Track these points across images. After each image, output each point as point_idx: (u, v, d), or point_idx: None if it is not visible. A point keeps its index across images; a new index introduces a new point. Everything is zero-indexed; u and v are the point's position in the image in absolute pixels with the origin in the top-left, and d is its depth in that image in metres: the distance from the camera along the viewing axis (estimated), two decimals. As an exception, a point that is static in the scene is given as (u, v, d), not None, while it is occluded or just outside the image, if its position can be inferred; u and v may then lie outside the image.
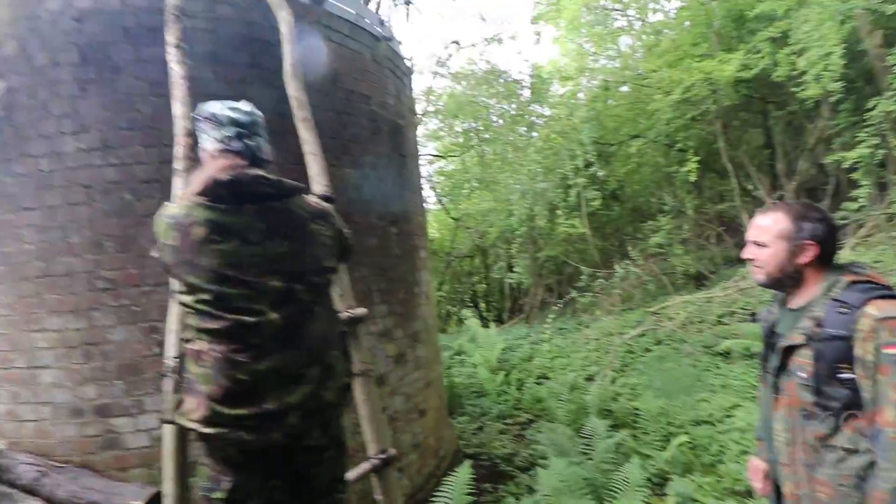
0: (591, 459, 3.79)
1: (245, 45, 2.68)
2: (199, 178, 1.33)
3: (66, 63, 2.44)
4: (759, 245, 1.38)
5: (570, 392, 5.71)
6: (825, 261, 1.32)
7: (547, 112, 12.28)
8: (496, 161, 11.42)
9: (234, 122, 1.41)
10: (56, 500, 2.21)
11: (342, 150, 3.02)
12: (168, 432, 1.62)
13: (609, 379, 6.08)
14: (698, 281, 8.25)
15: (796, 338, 1.28)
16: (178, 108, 2.09)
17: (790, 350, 1.30)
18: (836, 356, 1.19)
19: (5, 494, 2.22)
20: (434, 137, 13.10)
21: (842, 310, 1.20)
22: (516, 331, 10.19)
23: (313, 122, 2.39)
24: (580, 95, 14.71)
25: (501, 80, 12.21)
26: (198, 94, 2.23)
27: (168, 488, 1.61)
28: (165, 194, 2.43)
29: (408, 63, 4.12)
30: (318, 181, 2.23)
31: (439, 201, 13.13)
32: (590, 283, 8.06)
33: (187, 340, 1.36)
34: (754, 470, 1.59)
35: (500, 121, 12.33)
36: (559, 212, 8.60)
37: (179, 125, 2.07)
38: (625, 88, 9.44)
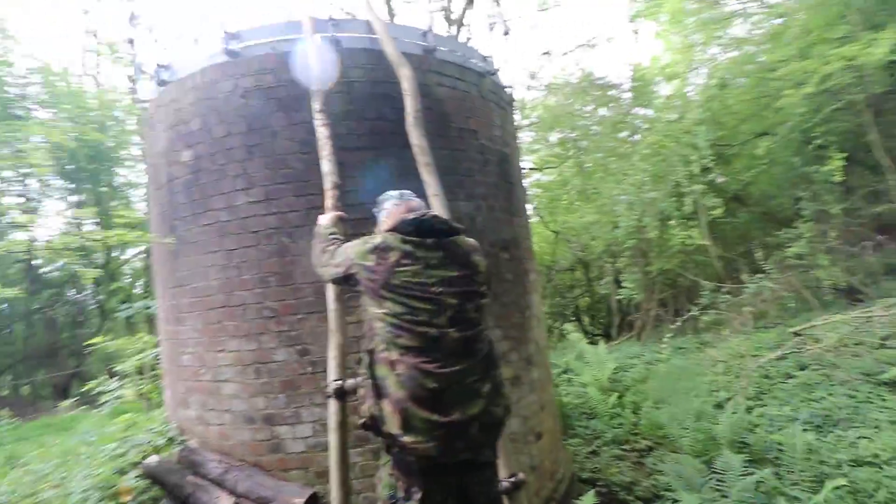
0: (725, 497, 3.50)
1: (372, 100, 3.04)
2: (390, 220, 1.75)
3: (236, 133, 3.00)
4: None
5: (697, 420, 5.27)
6: None
7: (652, 114, 11.62)
8: (597, 171, 11.04)
9: (401, 194, 1.98)
10: (237, 493, 2.67)
11: (457, 184, 3.25)
12: (333, 441, 1.90)
13: (743, 407, 5.50)
14: (851, 296, 7.10)
15: None
16: (325, 165, 2.47)
17: None
18: None
19: (199, 485, 2.74)
20: (529, 150, 13.09)
21: None
22: (627, 349, 9.64)
23: (434, 165, 2.63)
24: (690, 93, 13.68)
25: (598, 84, 11.85)
26: (337, 147, 2.62)
27: (334, 492, 1.88)
28: (312, 233, 2.85)
29: (509, 91, 4.28)
30: (441, 220, 2.44)
31: (537, 214, 13.02)
32: (713, 298, 7.37)
33: (377, 351, 1.64)
34: None
35: (599, 128, 11.92)
36: (672, 222, 8.02)
37: (328, 180, 2.43)
38: (742, 79, 8.56)
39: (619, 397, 6.82)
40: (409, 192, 2.01)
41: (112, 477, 2.70)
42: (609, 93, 11.94)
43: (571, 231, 12.21)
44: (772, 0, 11.15)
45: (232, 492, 2.69)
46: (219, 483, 2.74)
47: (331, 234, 2.08)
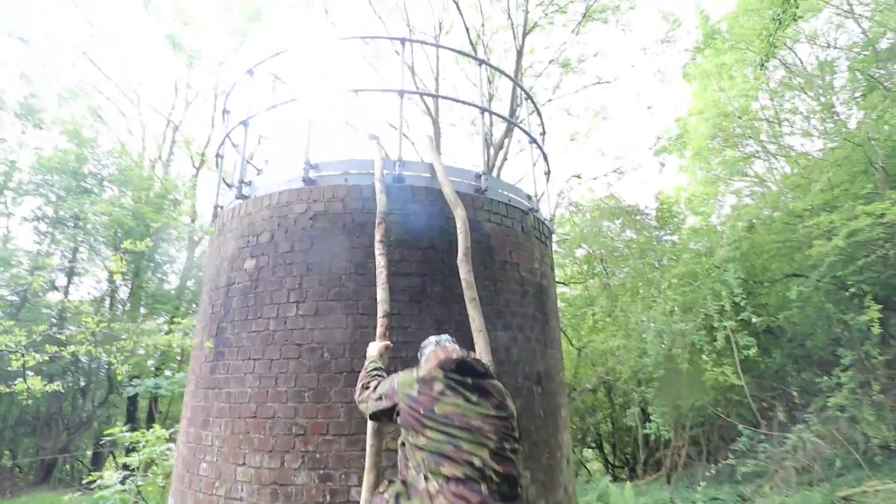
0: None
1: (425, 231, 3.29)
2: (435, 361, 1.81)
3: (299, 250, 3.25)
4: None
5: None
6: None
7: (675, 240, 11.93)
8: (625, 293, 11.08)
9: (439, 340, 2.09)
10: None
11: (496, 314, 3.35)
12: None
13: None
14: (905, 458, 6.49)
15: None
16: (380, 294, 2.61)
17: None
18: None
19: None
20: (556, 265, 13.37)
21: None
22: (656, 492, 8.82)
23: (478, 300, 2.75)
24: (714, 221, 14.07)
25: (624, 207, 12.41)
26: (390, 272, 2.79)
27: None
28: (355, 355, 2.92)
29: (549, 225, 4.55)
30: (483, 357, 2.49)
31: (561, 329, 12.86)
32: (750, 445, 6.85)
33: (413, 483, 1.64)
34: None
35: (626, 250, 12.23)
36: (704, 357, 7.79)
37: (381, 308, 2.57)
38: (767, 212, 8.80)
39: (648, 553, 6.12)
40: (446, 336, 2.14)
41: None
42: (636, 217, 12.45)
43: (596, 351, 11.91)
44: (797, 146, 11.88)
45: None
46: None
47: (374, 368, 2.15)
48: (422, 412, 1.67)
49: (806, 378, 8.44)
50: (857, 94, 9.28)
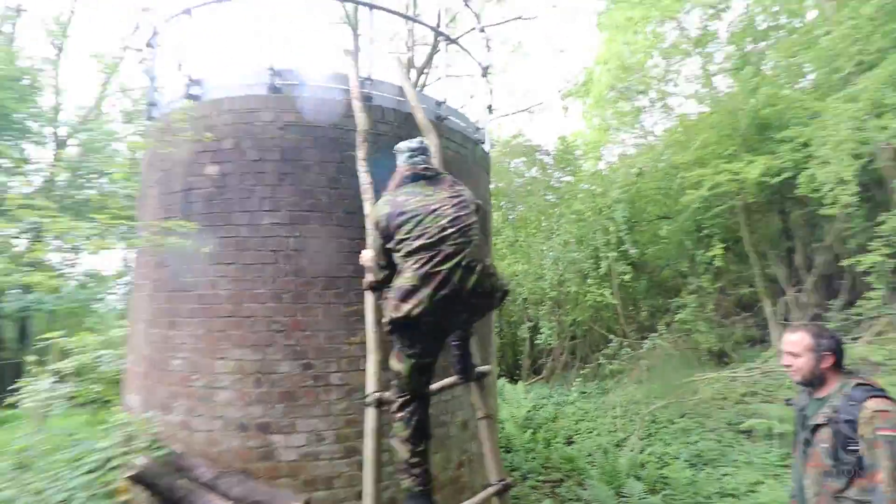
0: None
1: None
2: (396, 179, 2.31)
3: (270, 160, 3.29)
4: (792, 355, 2.04)
5: (605, 456, 6.14)
6: (839, 366, 1.99)
7: (571, 180, 13.34)
8: (528, 225, 12.28)
9: (410, 148, 2.41)
10: (231, 497, 2.80)
11: (451, 232, 3.80)
12: (369, 444, 2.25)
13: (638, 446, 6.49)
14: (720, 358, 8.73)
15: (821, 418, 1.92)
16: (368, 208, 2.88)
17: (816, 427, 1.93)
18: (847, 434, 1.82)
19: (191, 489, 2.82)
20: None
21: (851, 403, 1.85)
22: (538, 390, 10.60)
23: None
24: (602, 167, 15.78)
25: (529, 146, 13.38)
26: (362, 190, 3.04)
27: (368, 488, 2.22)
28: (331, 261, 3.21)
29: (490, 156, 5.00)
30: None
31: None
32: (617, 351, 8.58)
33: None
34: None
35: (529, 187, 13.37)
36: (589, 280, 9.27)
37: (369, 221, 2.85)
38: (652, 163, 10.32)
39: (534, 433, 7.57)
40: (414, 144, 2.47)
41: (103, 477, 2.68)
42: (539, 157, 13.50)
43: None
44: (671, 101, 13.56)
45: (225, 496, 2.81)
46: (210, 487, 2.85)
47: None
48: (395, 217, 2.11)
49: (659, 300, 10.54)
50: (730, 66, 10.88)
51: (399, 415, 2.21)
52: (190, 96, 3.53)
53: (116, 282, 14.13)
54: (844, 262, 6.77)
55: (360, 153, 3.05)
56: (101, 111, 13.73)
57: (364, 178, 2.98)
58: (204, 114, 3.44)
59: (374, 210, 2.27)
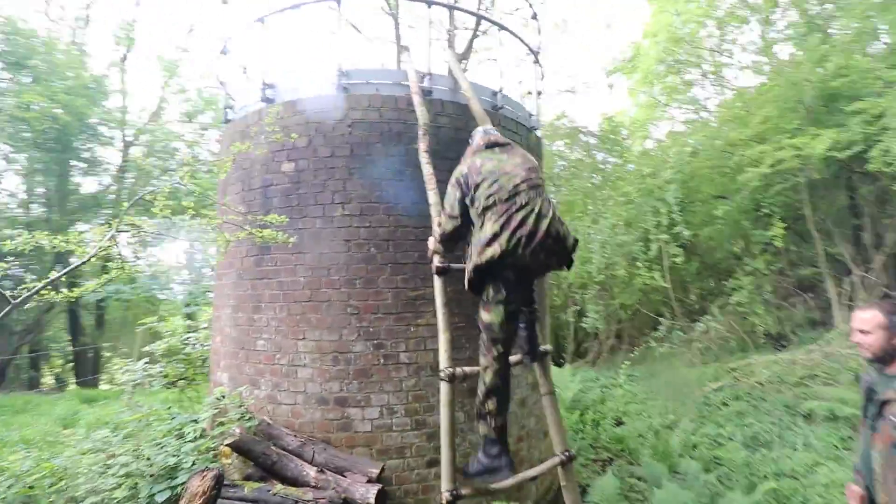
0: (687, 491, 4.34)
1: (454, 143, 3.67)
2: (473, 147, 2.65)
3: (340, 155, 3.53)
4: (863, 332, 2.08)
5: (656, 436, 6.19)
6: None
7: (618, 161, 12.99)
8: (574, 209, 12.13)
9: (484, 129, 2.76)
10: (316, 463, 3.14)
11: (508, 219, 3.93)
12: (445, 414, 2.47)
13: (690, 428, 6.49)
14: (777, 341, 8.45)
15: (891, 394, 1.96)
16: (432, 197, 3.07)
17: (886, 402, 1.97)
18: None
19: (283, 455, 3.18)
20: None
21: None
22: (584, 373, 10.64)
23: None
24: (649, 146, 15.21)
25: (573, 128, 13.10)
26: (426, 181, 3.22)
27: (445, 452, 2.45)
28: (398, 249, 3.43)
29: (541, 140, 5.05)
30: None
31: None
32: (668, 334, 8.47)
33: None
34: (852, 494, 2.23)
35: (574, 169, 13.15)
36: (639, 263, 9.13)
37: (434, 210, 3.04)
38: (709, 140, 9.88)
39: (581, 415, 7.69)
40: (489, 126, 2.83)
41: (207, 444, 3.07)
42: (581, 137, 13.21)
43: (543, 259, 13.14)
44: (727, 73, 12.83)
45: (310, 462, 3.15)
46: (297, 454, 3.20)
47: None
48: (474, 175, 2.37)
49: (710, 282, 10.25)
50: (792, 33, 10.18)
51: (493, 368, 2.38)
52: (266, 100, 3.81)
53: (179, 273, 15.21)
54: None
55: (423, 145, 3.22)
56: (161, 112, 14.59)
57: (427, 170, 3.16)
58: (280, 116, 3.71)
59: (455, 172, 2.53)
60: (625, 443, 6.51)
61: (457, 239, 2.59)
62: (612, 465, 6.08)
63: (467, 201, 2.39)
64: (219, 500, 2.59)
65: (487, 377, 2.39)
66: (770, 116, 7.72)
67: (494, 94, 4.04)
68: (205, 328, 5.35)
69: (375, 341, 3.41)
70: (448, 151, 3.66)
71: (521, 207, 2.23)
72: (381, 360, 3.40)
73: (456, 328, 3.48)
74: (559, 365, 10.45)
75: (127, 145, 14.07)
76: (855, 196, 8.23)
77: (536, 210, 2.25)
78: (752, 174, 7.21)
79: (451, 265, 2.75)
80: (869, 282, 7.66)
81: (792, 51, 10.43)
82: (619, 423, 7.57)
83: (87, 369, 14.58)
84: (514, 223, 2.20)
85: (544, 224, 2.23)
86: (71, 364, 14.76)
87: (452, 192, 2.47)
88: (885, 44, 6.82)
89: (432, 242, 2.81)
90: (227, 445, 3.12)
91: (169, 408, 4.16)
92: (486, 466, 2.41)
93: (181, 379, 5.08)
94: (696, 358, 8.11)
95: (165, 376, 4.44)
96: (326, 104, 3.58)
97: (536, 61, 4.82)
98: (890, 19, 6.28)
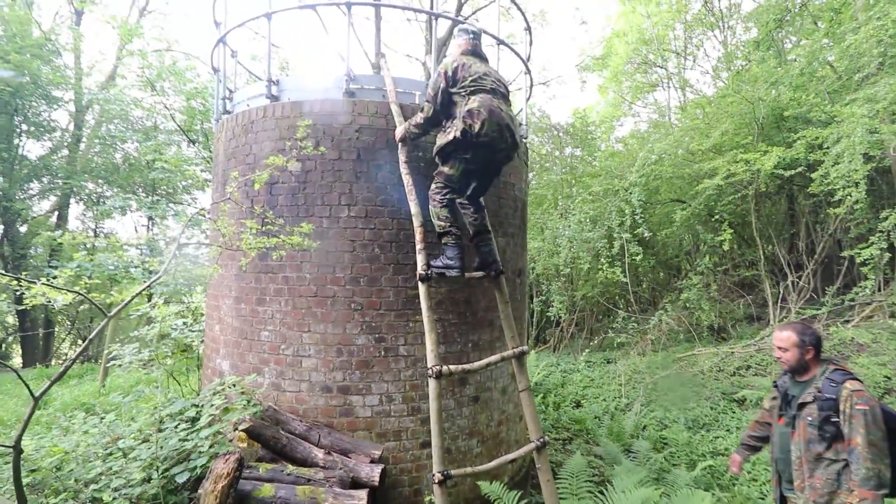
0: (640, 467, 4.95)
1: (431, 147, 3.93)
2: (458, 49, 3.30)
3: (347, 159, 3.72)
4: (782, 350, 2.59)
5: (612, 418, 6.85)
6: (818, 355, 2.54)
7: (589, 159, 13.62)
8: (544, 203, 12.66)
9: (471, 31, 3.38)
10: (322, 446, 3.42)
11: (498, 224, 4.27)
12: (434, 406, 2.82)
13: (641, 411, 7.21)
14: (718, 334, 9.38)
15: (807, 398, 2.48)
16: (413, 208, 3.34)
17: (803, 404, 2.49)
18: (828, 409, 2.38)
19: (291, 439, 3.43)
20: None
21: (832, 384, 2.41)
22: (545, 358, 11.35)
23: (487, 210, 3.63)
24: (614, 141, 15.89)
25: (551, 125, 13.58)
26: (420, 188, 3.49)
27: (435, 439, 2.81)
28: (400, 250, 3.70)
29: (527, 147, 5.38)
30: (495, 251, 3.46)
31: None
32: (624, 325, 9.20)
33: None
34: (734, 461, 2.93)
35: (546, 164, 13.66)
36: (602, 259, 9.77)
37: (416, 220, 3.32)
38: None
39: (543, 397, 8.31)
40: (472, 31, 3.39)
41: (221, 429, 3.26)
42: (554, 132, 13.71)
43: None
44: (687, 74, 13.60)
45: (317, 444, 3.43)
46: (304, 438, 3.46)
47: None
48: (462, 68, 3.09)
49: (661, 276, 11.09)
50: (752, 44, 10.96)
51: (437, 197, 3.22)
52: (271, 97, 3.91)
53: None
54: (844, 253, 7.26)
55: (402, 156, 3.47)
56: (116, 77, 13.76)
57: (407, 180, 3.42)
58: (285, 114, 3.83)
59: (443, 62, 3.16)
60: (583, 423, 7.15)
61: (435, 124, 3.25)
62: (571, 444, 6.71)
63: (454, 90, 3.05)
64: (240, 481, 2.83)
65: (441, 213, 3.25)
66: (726, 131, 8.41)
67: (491, 105, 4.30)
68: (190, 314, 5.41)
69: (377, 335, 3.69)
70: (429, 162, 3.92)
71: (496, 99, 3.02)
72: (382, 353, 3.69)
73: (449, 324, 3.82)
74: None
75: (80, 109, 13.24)
76: (794, 207, 9.16)
77: (504, 109, 3.05)
78: (708, 184, 7.89)
79: (434, 272, 3.22)
80: (800, 285, 8.64)
81: (749, 63, 11.24)
82: (577, 405, 8.26)
83: (35, 348, 13.94)
84: (489, 108, 2.95)
85: (511, 121, 3.06)
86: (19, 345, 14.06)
87: (438, 83, 3.10)
88: (837, 76, 7.56)
89: (401, 130, 3.47)
90: (242, 430, 3.33)
91: (168, 395, 4.28)
92: (445, 265, 3.25)
93: (169, 364, 5.15)
94: (647, 347, 8.89)
95: (150, 361, 4.52)
96: (335, 108, 3.73)
97: (527, 71, 5.10)
98: (838, 51, 6.99)
